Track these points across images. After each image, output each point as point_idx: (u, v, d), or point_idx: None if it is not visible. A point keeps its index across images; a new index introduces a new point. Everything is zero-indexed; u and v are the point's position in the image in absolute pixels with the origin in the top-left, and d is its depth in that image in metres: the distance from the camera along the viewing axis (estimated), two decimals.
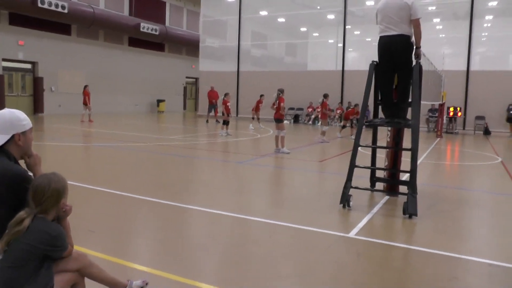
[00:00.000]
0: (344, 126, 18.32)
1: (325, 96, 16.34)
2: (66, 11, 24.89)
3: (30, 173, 2.84)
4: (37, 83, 25.98)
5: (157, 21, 33.05)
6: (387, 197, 7.08)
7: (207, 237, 4.93)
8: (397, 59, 6.53)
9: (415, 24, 6.41)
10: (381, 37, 6.64)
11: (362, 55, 25.86)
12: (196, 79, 36.53)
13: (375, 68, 6.79)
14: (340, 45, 26.30)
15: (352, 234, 5.09)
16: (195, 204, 6.31)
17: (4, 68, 24.27)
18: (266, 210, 6.30)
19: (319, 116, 19.34)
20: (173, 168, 9.71)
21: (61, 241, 2.61)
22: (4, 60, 24.15)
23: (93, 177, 8.16)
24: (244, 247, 4.65)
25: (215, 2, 30.94)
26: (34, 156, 2.94)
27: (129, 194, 6.71)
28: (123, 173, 8.79)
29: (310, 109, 26.18)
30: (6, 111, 2.84)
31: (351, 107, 19.33)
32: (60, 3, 24.48)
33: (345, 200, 6.23)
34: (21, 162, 2.86)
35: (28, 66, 25.84)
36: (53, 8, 24.14)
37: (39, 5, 23.41)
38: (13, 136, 2.77)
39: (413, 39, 6.53)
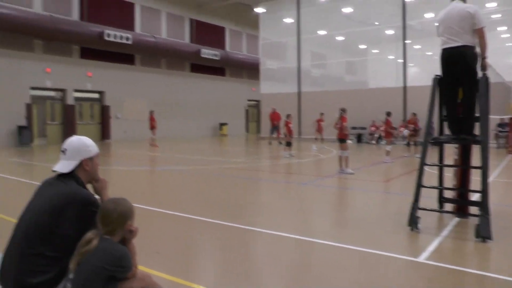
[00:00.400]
0: (408, 144, 17.81)
1: (388, 114, 15.98)
2: (130, 42, 26.29)
3: (97, 197, 2.95)
4: (105, 111, 27.39)
5: (217, 46, 33.93)
6: (457, 219, 6.70)
7: (271, 259, 4.88)
8: (462, 72, 6.22)
9: (480, 34, 6.06)
10: (443, 50, 6.34)
11: (424, 69, 25.02)
12: (258, 101, 36.92)
13: (439, 82, 6.53)
14: (401, 60, 25.72)
15: (422, 258, 4.81)
16: (258, 225, 6.28)
17: (76, 99, 25.83)
18: (329, 231, 6.17)
19: (383, 135, 18.94)
20: (236, 190, 9.78)
21: (125, 261, 2.66)
22: (75, 91, 25.72)
23: (157, 200, 8.36)
24: (308, 270, 4.55)
25: (274, 25, 31.29)
26: (101, 181, 3.08)
27: (193, 216, 6.80)
28: (187, 196, 8.95)
29: (373, 128, 25.56)
30: (74, 138, 2.99)
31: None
32: (124, 35, 25.95)
33: (413, 222, 5.94)
34: (89, 187, 2.99)
35: (96, 95, 27.33)
36: (118, 40, 25.70)
37: (106, 38, 24.92)
38: (81, 162, 2.91)
39: (477, 49, 6.21)
